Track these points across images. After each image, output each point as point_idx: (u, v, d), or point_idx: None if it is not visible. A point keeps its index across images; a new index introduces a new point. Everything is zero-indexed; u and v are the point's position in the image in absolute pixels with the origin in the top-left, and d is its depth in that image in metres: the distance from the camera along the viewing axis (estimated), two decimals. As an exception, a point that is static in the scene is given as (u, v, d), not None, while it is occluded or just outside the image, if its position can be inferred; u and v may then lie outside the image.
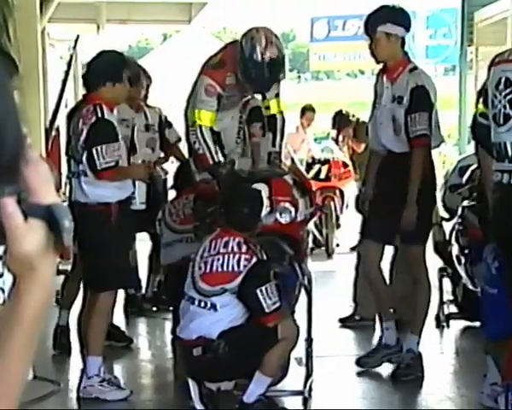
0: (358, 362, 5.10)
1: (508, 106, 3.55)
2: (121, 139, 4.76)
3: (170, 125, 6.86)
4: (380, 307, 5.20)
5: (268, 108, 5.27)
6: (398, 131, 4.81)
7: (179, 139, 6.52)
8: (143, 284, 6.78)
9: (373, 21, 4.92)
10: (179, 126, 6.29)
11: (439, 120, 6.02)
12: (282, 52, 5.05)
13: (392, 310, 5.54)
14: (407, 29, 4.91)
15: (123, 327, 6.17)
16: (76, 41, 5.95)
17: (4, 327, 0.99)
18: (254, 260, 4.29)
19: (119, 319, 6.24)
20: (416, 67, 4.89)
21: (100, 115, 4.61)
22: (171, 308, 5.68)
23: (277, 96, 5.25)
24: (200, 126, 5.06)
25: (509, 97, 3.55)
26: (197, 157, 5.17)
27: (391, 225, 4.84)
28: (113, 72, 4.70)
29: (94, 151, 4.59)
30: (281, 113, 5.30)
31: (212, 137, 5.09)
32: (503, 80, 3.58)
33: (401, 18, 4.92)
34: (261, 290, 4.20)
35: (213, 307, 4.27)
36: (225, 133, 5.24)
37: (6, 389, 0.99)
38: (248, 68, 4.98)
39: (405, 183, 4.74)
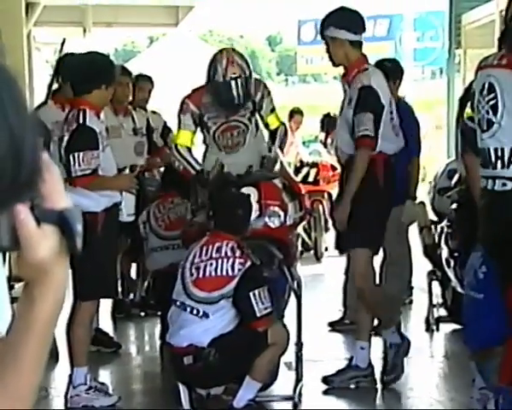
0: (325, 380, 4.93)
1: (490, 112, 3.56)
2: (105, 146, 4.67)
3: (170, 130, 6.88)
4: (360, 324, 5.01)
5: (267, 124, 5.30)
6: (351, 134, 4.81)
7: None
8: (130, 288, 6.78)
9: (321, 26, 4.91)
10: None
11: (415, 129, 6.05)
12: (247, 72, 5.06)
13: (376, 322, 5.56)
14: (355, 32, 4.78)
15: (111, 333, 6.15)
16: (62, 44, 5.93)
17: (17, 332, 0.99)
18: (249, 263, 4.30)
19: (106, 324, 6.23)
20: (367, 68, 4.80)
21: (81, 121, 4.57)
22: (159, 313, 5.67)
23: (273, 111, 5.30)
24: (176, 145, 5.20)
25: (491, 103, 3.55)
26: (182, 173, 5.24)
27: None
28: (107, 74, 4.67)
29: (71, 157, 4.54)
30: (282, 124, 5.34)
31: (189, 152, 5.19)
32: (486, 85, 3.59)
33: (344, 21, 4.82)
34: (254, 294, 4.20)
35: (205, 315, 4.27)
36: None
37: (20, 393, 1.00)
38: (213, 89, 5.07)
39: (366, 185, 4.71)
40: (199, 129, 5.25)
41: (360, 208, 4.72)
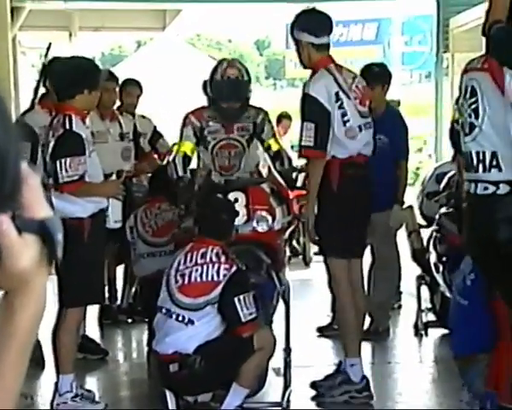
0: (314, 385, 4.86)
1: (473, 115, 3.57)
2: (91, 152, 4.66)
3: (160, 135, 6.87)
4: (346, 339, 4.89)
5: (269, 147, 5.36)
6: None
7: (171, 152, 6.57)
8: (119, 294, 6.76)
9: (290, 29, 4.92)
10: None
11: (404, 133, 6.03)
12: (245, 76, 5.19)
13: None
14: (316, 34, 4.73)
15: (98, 339, 6.13)
16: (48, 49, 5.90)
17: None
18: (234, 268, 4.29)
19: (93, 330, 6.21)
20: (314, 74, 4.76)
21: (68, 127, 4.56)
22: (146, 320, 5.66)
23: (273, 136, 5.39)
24: (175, 157, 5.30)
25: (473, 106, 3.56)
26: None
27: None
28: (90, 78, 4.66)
29: (57, 164, 4.52)
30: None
31: (184, 160, 5.25)
32: (469, 89, 3.60)
33: (306, 23, 4.80)
34: (239, 299, 4.20)
35: (191, 321, 4.26)
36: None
37: (0, 403, 1.00)
38: (212, 90, 5.16)
39: (320, 193, 4.72)
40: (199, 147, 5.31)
41: (319, 217, 4.75)
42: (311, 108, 4.67)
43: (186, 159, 5.27)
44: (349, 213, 4.72)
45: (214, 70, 5.22)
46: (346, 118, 4.70)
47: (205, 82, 5.21)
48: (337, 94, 4.68)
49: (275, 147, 5.36)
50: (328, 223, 4.74)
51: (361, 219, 4.82)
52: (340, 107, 4.69)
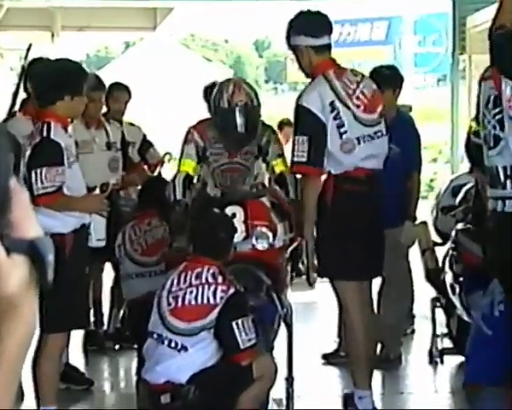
0: None
1: (497, 126, 3.55)
2: (72, 163, 4.65)
3: (150, 144, 6.88)
4: (354, 368, 4.88)
5: (273, 169, 5.34)
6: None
7: (162, 163, 6.58)
8: (105, 319, 6.76)
9: (286, 39, 4.86)
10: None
11: (416, 142, 6.01)
12: (254, 101, 5.11)
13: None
14: (314, 35, 4.71)
15: (82, 368, 6.13)
16: (28, 50, 5.90)
17: None
18: (232, 290, 4.30)
19: (77, 358, 6.21)
20: (312, 80, 4.76)
21: (45, 135, 4.55)
22: (135, 346, 5.66)
23: (280, 156, 5.33)
24: (175, 176, 5.25)
25: (498, 117, 3.55)
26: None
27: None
28: (72, 83, 4.66)
29: (33, 174, 4.51)
30: (293, 173, 5.26)
31: (184, 181, 5.21)
32: (492, 98, 3.60)
33: (302, 25, 4.78)
34: (237, 324, 4.20)
35: (184, 348, 4.26)
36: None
37: None
38: (217, 117, 5.12)
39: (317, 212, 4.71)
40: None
41: (318, 237, 4.75)
42: (304, 120, 4.64)
43: (187, 179, 5.23)
44: (347, 230, 4.69)
45: (219, 94, 5.11)
46: (342, 129, 4.65)
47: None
48: (332, 103, 4.64)
49: (278, 168, 5.30)
50: (327, 243, 4.74)
51: (365, 237, 4.75)
52: (336, 117, 4.64)
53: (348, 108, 4.67)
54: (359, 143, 4.68)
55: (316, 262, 4.92)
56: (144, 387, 4.61)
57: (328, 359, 6.25)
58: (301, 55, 4.77)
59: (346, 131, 4.65)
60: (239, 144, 5.19)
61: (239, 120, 5.04)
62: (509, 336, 3.68)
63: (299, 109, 4.67)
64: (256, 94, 5.22)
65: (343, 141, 4.65)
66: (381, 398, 5.36)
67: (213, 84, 6.24)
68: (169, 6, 12.80)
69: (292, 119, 10.58)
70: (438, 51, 16.81)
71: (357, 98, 4.72)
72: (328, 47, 4.79)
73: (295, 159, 4.66)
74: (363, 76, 4.92)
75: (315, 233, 4.87)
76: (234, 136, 5.12)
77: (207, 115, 5.44)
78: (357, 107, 4.70)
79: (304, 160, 4.61)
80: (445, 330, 6.22)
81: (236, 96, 5.06)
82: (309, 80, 4.88)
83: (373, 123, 4.76)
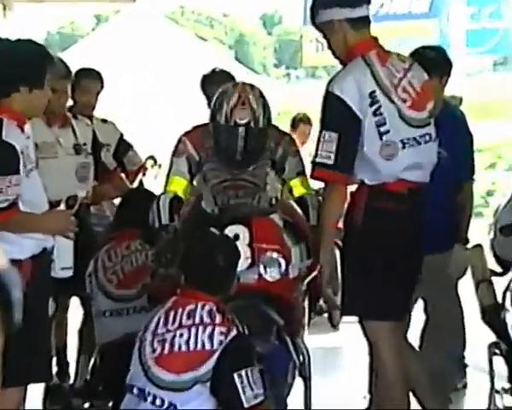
0: None
1: None
2: (30, 171, 4.67)
3: (128, 146, 6.90)
4: None
5: (291, 190, 5.38)
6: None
7: (144, 169, 6.59)
8: (71, 369, 6.79)
9: (311, 18, 4.86)
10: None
11: (468, 144, 6.01)
12: (260, 121, 5.10)
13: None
14: (350, 5, 4.70)
15: (42, 432, 6.16)
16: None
17: None
18: (233, 333, 4.32)
19: (36, 420, 6.23)
20: (350, 60, 4.73)
21: None
22: (110, 405, 5.68)
23: (300, 174, 5.35)
24: (159, 196, 5.27)
25: None
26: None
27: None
28: (30, 71, 4.70)
29: None
30: (315, 193, 5.34)
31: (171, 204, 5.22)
32: None
33: None
34: (240, 376, 4.22)
35: (172, 406, 4.28)
36: None
37: None
38: (213, 132, 5.16)
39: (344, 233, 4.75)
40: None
41: (343, 265, 4.78)
42: (335, 113, 4.63)
43: (175, 201, 5.24)
44: (381, 258, 4.67)
45: (218, 105, 5.13)
46: (383, 128, 4.61)
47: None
48: (373, 94, 4.61)
49: (297, 191, 5.34)
50: (354, 273, 4.71)
51: (404, 266, 4.73)
52: (376, 113, 4.62)
53: (392, 101, 4.64)
54: (404, 148, 4.65)
55: (339, 297, 4.91)
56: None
57: (356, 420, 6.28)
58: (333, 33, 4.75)
59: (387, 131, 4.62)
60: (236, 169, 5.23)
61: (238, 142, 5.07)
62: None
63: (329, 98, 4.64)
64: (265, 107, 5.17)
65: (383, 143, 4.62)
66: None
67: (213, 73, 6.27)
68: (152, -30, 12.90)
69: (309, 113, 10.59)
70: (496, 27, 16.87)
71: (404, 90, 4.68)
72: (367, 20, 4.78)
73: (318, 159, 4.61)
74: (412, 63, 4.87)
75: (338, 259, 4.89)
76: (230, 160, 5.17)
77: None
78: (404, 101, 4.66)
79: (330, 162, 4.59)
80: (507, 385, 6.24)
81: (238, 113, 5.07)
82: (331, 62, 4.87)
83: (421, 123, 4.71)
